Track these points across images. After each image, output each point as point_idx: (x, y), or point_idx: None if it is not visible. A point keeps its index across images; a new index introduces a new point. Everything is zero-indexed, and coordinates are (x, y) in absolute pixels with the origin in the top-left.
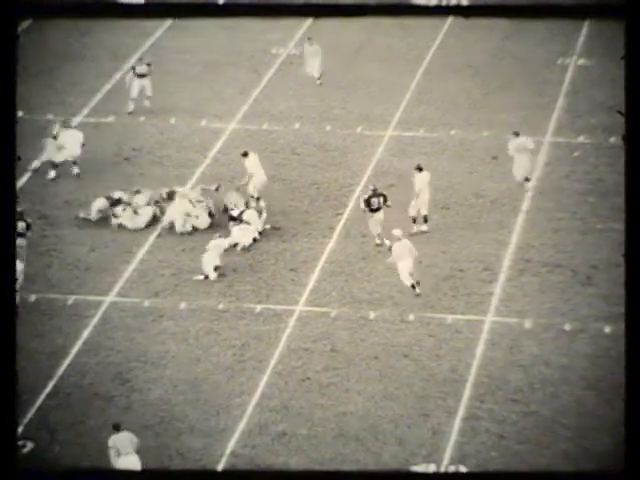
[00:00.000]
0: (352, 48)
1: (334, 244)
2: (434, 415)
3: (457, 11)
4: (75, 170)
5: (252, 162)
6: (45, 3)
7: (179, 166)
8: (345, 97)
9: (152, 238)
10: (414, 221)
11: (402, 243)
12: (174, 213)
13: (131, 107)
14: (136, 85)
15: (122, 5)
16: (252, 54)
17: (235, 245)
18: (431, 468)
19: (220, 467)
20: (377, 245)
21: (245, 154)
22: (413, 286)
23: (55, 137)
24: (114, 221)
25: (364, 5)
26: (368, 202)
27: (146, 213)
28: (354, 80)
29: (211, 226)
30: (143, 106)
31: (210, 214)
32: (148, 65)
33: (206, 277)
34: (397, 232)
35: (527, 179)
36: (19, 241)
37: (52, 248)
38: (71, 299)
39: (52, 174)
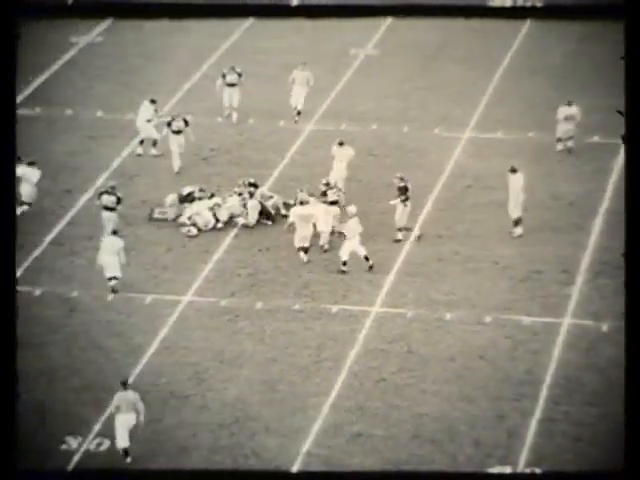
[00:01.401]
0: (430, 50)
1: (410, 245)
2: (510, 417)
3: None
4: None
5: (342, 154)
6: (46, 3)
7: (257, 166)
8: (423, 98)
9: (229, 238)
10: (516, 224)
11: (354, 220)
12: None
13: (233, 117)
14: (226, 94)
15: (199, 6)
16: (330, 55)
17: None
18: (507, 470)
19: (295, 467)
20: (396, 241)
21: (341, 143)
22: (345, 263)
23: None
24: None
25: (440, 6)
26: (405, 189)
27: (206, 216)
28: (432, 81)
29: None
30: (224, 109)
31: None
32: (239, 75)
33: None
34: (352, 209)
35: (561, 139)
36: (109, 214)
37: (130, 247)
38: (148, 298)
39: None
